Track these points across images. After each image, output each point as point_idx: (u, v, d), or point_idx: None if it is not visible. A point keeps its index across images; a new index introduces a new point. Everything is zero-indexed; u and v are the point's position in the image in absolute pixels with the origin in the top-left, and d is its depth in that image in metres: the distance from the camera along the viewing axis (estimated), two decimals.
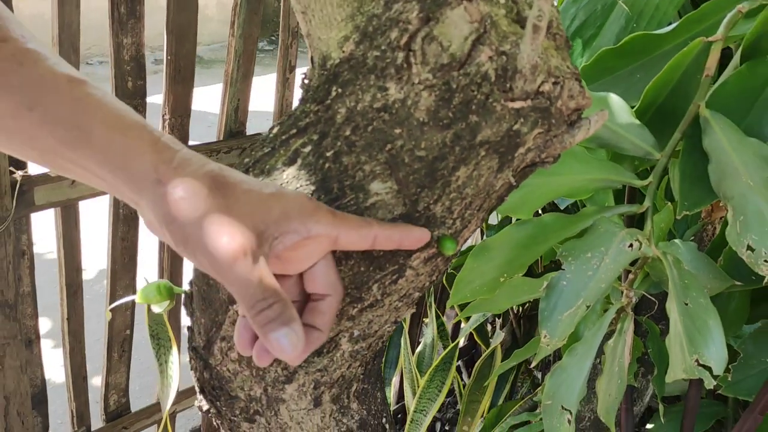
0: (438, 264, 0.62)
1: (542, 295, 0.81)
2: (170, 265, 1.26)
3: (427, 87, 0.54)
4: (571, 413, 0.90)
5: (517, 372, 1.91)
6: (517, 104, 0.56)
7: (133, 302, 1.24)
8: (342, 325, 0.63)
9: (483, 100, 0.55)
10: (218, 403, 0.72)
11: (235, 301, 0.62)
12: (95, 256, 2.39)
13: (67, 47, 0.95)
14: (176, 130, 1.15)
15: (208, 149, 1.18)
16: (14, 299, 1.00)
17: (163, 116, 1.13)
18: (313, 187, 0.56)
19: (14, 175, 0.95)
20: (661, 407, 1.10)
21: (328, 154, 0.56)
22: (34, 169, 0.99)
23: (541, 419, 1.19)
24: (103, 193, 1.09)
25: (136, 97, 1.06)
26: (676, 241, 0.95)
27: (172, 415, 1.42)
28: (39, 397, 1.16)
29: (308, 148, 0.57)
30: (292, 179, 0.57)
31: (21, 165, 0.96)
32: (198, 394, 0.77)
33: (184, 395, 1.42)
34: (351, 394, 0.75)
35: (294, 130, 0.59)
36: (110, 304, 1.20)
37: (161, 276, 1.28)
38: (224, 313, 0.63)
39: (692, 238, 1.10)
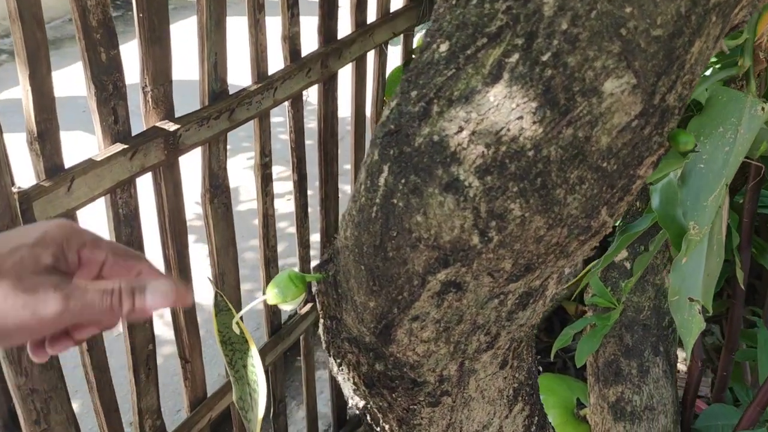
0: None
1: (678, 184, 0.74)
2: (177, 260, 1.09)
3: None
4: (699, 303, 0.85)
5: None
6: None
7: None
8: (556, 265, 0.53)
9: None
10: (394, 395, 0.60)
11: (439, 267, 0.50)
12: None
13: (29, 20, 0.75)
14: (160, 103, 0.96)
15: (198, 117, 1.01)
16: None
17: (143, 89, 0.94)
18: (534, 104, 0.45)
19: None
20: (739, 272, 1.08)
21: (544, 57, 0.44)
22: (23, 179, 0.80)
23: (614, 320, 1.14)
24: (99, 195, 0.90)
25: (112, 71, 0.87)
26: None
27: (208, 425, 1.27)
28: None
29: (514, 57, 0.45)
30: (503, 99, 0.45)
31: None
32: (352, 392, 0.65)
33: (214, 400, 1.27)
34: (527, 345, 0.66)
35: (483, 40, 0.46)
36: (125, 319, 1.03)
37: (168, 273, 1.10)
38: (419, 287, 0.51)
39: None
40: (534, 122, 0.45)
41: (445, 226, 0.48)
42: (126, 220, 0.96)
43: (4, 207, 0.73)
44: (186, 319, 1.16)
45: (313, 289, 0.63)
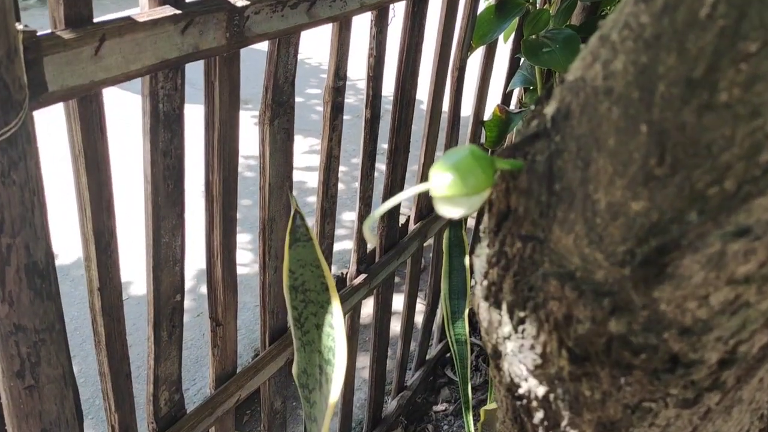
0: None
1: None
2: (222, 189, 0.84)
3: None
4: None
5: None
6: None
7: (182, 250, 0.81)
8: None
9: None
10: (624, 379, 0.35)
11: None
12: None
13: None
14: None
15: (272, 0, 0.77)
16: (45, 262, 0.57)
17: None
18: None
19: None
20: None
21: None
22: (34, 22, 0.55)
23: None
24: (136, 74, 0.66)
25: None
26: None
27: (234, 407, 1.02)
28: (78, 419, 0.74)
29: None
30: None
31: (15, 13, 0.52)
32: (527, 371, 0.40)
33: (245, 377, 1.01)
34: None
35: None
36: (152, 257, 0.78)
37: (210, 213, 0.86)
38: None
39: None
40: None
41: None
42: (166, 120, 0.72)
43: (1, 42, 0.48)
44: (224, 271, 0.91)
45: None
